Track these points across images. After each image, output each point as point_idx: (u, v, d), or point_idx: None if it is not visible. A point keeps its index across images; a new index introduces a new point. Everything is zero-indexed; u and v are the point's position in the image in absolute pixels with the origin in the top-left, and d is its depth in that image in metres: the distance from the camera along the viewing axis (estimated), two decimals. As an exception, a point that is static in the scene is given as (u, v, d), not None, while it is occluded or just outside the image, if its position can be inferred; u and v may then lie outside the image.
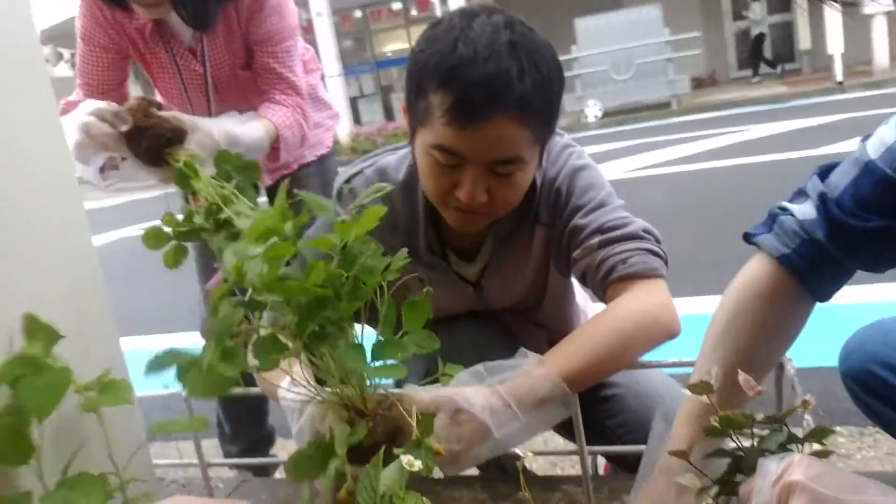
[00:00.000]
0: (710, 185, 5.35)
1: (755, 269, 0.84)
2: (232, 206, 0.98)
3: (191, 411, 1.07)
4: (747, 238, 0.86)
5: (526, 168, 0.99)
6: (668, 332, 0.96)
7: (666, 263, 1.03)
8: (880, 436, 1.73)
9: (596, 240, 1.03)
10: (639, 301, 0.97)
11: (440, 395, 0.82)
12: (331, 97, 1.87)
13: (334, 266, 0.72)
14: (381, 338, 0.77)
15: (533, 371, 0.86)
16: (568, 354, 0.90)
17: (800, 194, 0.83)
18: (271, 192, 1.70)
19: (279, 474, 1.74)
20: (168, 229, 0.94)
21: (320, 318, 0.71)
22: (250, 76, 1.53)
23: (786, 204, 0.84)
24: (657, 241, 1.05)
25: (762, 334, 0.82)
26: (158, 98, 1.62)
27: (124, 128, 1.15)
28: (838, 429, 1.81)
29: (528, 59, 0.92)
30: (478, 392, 0.83)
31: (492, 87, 0.90)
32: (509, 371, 0.86)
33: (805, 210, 0.81)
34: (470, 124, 0.92)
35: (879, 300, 2.52)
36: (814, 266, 0.80)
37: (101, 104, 1.17)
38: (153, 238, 0.93)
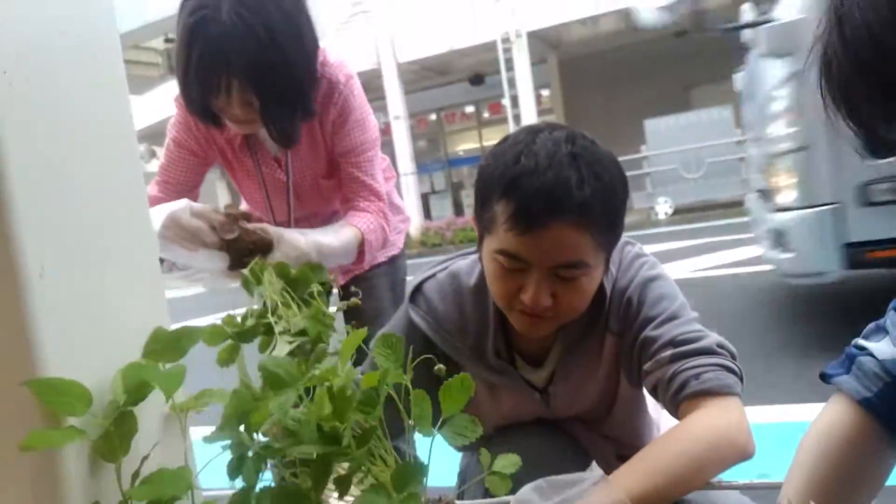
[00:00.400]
0: (785, 286, 5.19)
1: (836, 412, 0.81)
2: (279, 312, 1.06)
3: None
4: (824, 378, 0.83)
5: (590, 273, 1.01)
6: (742, 453, 0.93)
7: (741, 380, 1.00)
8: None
9: (668, 353, 1.02)
10: (712, 420, 0.94)
11: None
12: (404, 194, 1.94)
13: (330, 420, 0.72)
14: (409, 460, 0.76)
15: (599, 492, 0.84)
16: (637, 475, 0.88)
17: (878, 331, 0.80)
18: (344, 292, 1.75)
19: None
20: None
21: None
22: (331, 184, 1.61)
23: (863, 342, 0.81)
24: (732, 356, 1.03)
25: (848, 485, 0.78)
26: (243, 204, 1.72)
27: (229, 236, 1.22)
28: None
29: (589, 169, 0.97)
30: None
31: (552, 195, 0.95)
32: (573, 488, 0.85)
33: (884, 349, 0.78)
34: (531, 230, 0.96)
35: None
36: None
37: (207, 207, 1.25)
38: (212, 335, 1.00)
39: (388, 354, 0.80)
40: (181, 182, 1.58)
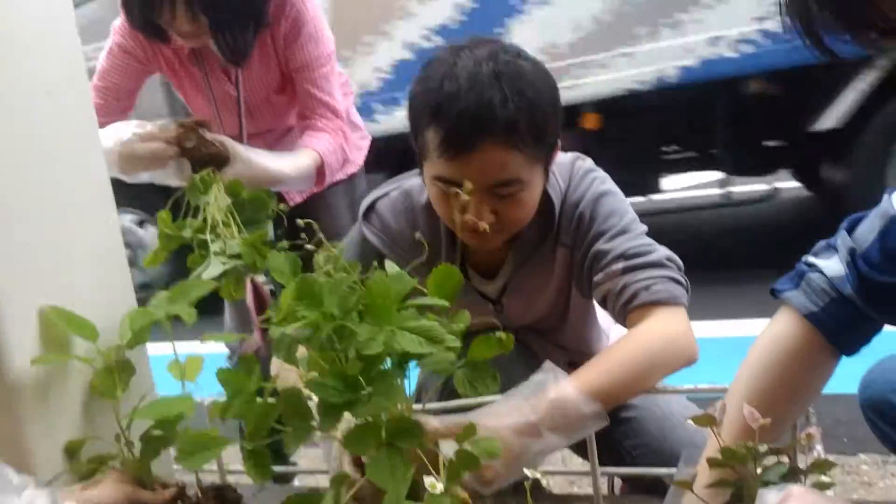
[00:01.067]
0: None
1: (783, 326, 0.83)
2: (217, 230, 1.06)
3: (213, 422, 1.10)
4: (774, 293, 0.86)
5: (528, 187, 1.03)
6: (688, 358, 0.98)
7: (687, 291, 1.05)
8: (904, 465, 1.71)
9: (619, 266, 1.05)
10: (662, 327, 0.99)
11: (460, 424, 0.82)
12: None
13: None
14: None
15: (561, 390, 0.88)
16: (594, 375, 0.92)
17: (828, 248, 0.83)
18: (300, 210, 1.74)
19: (298, 482, 1.76)
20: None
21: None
22: (284, 99, 1.57)
23: (813, 259, 0.83)
24: (679, 269, 1.06)
25: (790, 393, 0.82)
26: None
27: (189, 145, 1.20)
28: (862, 456, 1.78)
29: (511, 85, 0.97)
30: (505, 416, 0.86)
31: (476, 118, 0.96)
32: (536, 390, 0.88)
33: (833, 266, 0.80)
34: (460, 154, 0.98)
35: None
36: (843, 324, 0.80)
37: (152, 126, 1.22)
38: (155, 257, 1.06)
39: (440, 290, 0.79)
40: (121, 87, 1.52)
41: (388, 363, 0.75)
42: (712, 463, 0.65)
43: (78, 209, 0.91)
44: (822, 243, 0.84)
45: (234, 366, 1.71)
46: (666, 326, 0.99)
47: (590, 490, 1.00)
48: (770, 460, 0.63)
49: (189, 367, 0.84)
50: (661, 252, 1.07)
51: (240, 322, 1.69)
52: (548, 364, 0.92)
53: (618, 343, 1.00)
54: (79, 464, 0.84)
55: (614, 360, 0.95)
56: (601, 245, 1.08)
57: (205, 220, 1.10)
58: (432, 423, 0.83)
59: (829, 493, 0.61)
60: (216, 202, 1.13)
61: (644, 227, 1.11)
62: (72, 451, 0.84)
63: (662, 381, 0.97)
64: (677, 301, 1.02)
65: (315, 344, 0.73)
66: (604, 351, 1.00)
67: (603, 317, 1.33)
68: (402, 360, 0.75)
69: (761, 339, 0.85)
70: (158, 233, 1.08)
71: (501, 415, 0.86)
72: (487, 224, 1.02)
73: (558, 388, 0.88)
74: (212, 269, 1.04)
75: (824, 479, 0.61)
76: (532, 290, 1.20)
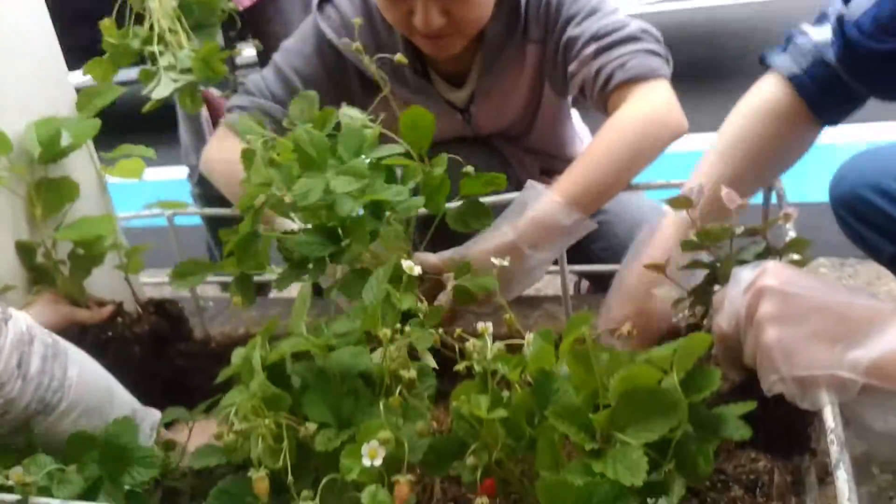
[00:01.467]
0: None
1: (766, 87, 0.82)
2: (167, 39, 1.02)
3: (177, 239, 1.08)
4: (763, 61, 0.83)
5: None
6: (676, 132, 0.92)
7: (668, 62, 0.98)
8: (860, 266, 1.77)
9: (591, 48, 0.98)
10: (641, 106, 0.93)
11: (452, 257, 0.82)
12: None
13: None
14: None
15: (540, 206, 0.85)
16: (576, 179, 0.88)
17: (822, 18, 0.80)
18: (250, 14, 1.61)
19: (272, 295, 1.78)
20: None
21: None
22: None
23: (805, 27, 0.80)
24: (657, 40, 0.99)
25: (765, 153, 0.81)
26: None
27: None
28: (821, 259, 1.84)
29: None
30: (487, 240, 0.84)
31: None
32: (520, 210, 0.85)
33: (822, 32, 0.78)
34: None
35: (874, 139, 2.48)
36: (824, 89, 0.79)
37: None
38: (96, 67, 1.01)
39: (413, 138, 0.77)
40: None
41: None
42: (685, 245, 0.64)
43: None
44: (820, 12, 0.81)
45: (194, 184, 1.69)
46: (645, 105, 0.93)
47: (558, 292, 1.01)
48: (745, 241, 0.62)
49: (128, 169, 0.85)
50: (635, 25, 0.99)
51: (195, 137, 1.62)
52: (529, 182, 0.88)
53: (597, 137, 0.94)
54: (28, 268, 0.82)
55: (595, 158, 0.90)
56: (571, 31, 1.01)
57: (151, 27, 1.04)
58: (431, 259, 0.84)
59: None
60: (161, 6, 1.05)
61: (616, 6, 1.03)
62: (25, 251, 0.82)
63: (635, 179, 0.93)
64: (656, 74, 0.95)
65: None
66: (584, 150, 0.94)
67: (577, 119, 1.29)
68: (374, 209, 0.75)
69: (743, 101, 0.83)
70: (103, 44, 1.01)
71: (485, 240, 0.84)
72: (439, 27, 0.94)
73: (538, 204, 0.85)
74: (162, 88, 0.99)
75: (797, 257, 0.60)
76: (502, 94, 1.14)
